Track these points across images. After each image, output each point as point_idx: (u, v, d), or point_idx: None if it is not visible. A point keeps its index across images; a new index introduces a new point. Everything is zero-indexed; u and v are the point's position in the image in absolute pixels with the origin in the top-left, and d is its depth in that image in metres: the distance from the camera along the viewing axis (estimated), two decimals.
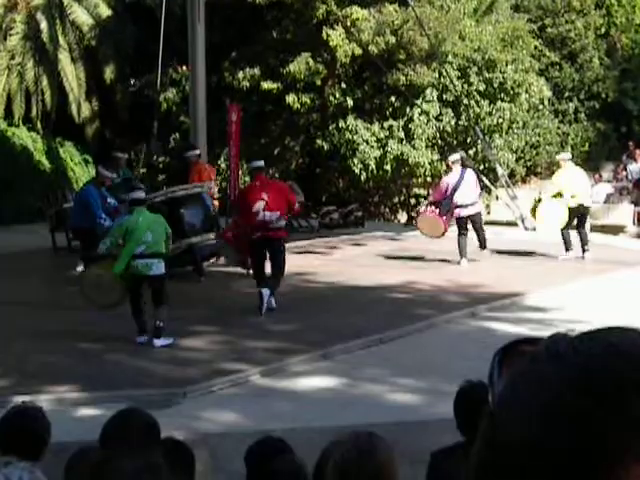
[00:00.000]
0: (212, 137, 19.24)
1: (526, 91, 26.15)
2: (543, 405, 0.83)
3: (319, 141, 26.03)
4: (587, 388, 0.82)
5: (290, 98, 25.11)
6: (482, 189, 16.13)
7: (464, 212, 15.56)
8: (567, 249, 16.20)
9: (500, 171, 20.50)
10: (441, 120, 25.23)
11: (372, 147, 25.19)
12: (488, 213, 26.84)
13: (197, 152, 16.62)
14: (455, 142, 25.08)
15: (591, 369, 0.83)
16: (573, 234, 16.22)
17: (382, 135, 25.30)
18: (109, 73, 27.33)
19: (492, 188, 20.94)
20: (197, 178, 15.80)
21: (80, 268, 13.82)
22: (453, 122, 25.30)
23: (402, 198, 26.41)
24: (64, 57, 26.78)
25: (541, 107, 27.81)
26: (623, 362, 0.83)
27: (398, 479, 3.06)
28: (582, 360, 0.84)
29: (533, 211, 16.64)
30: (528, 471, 0.82)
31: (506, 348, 0.94)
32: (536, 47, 28.51)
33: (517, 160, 27.28)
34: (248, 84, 25.41)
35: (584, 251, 16.19)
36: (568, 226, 16.10)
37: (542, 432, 0.82)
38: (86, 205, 14.30)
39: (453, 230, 15.84)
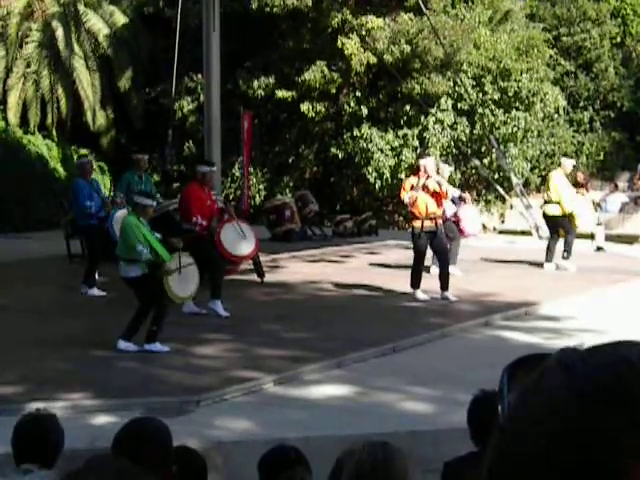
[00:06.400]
0: (226, 145, 19.24)
1: (541, 100, 26.12)
2: (553, 418, 0.82)
3: (333, 149, 26.05)
4: (597, 400, 0.81)
5: (305, 106, 25.16)
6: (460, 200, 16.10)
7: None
8: (549, 259, 16.18)
9: (515, 180, 20.48)
10: (456, 129, 25.22)
11: (387, 156, 25.20)
12: (502, 222, 26.82)
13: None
14: (470, 151, 25.06)
15: (601, 381, 0.82)
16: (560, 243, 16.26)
17: (397, 144, 25.31)
18: (124, 81, 27.42)
19: (507, 197, 20.90)
20: None
21: (85, 290, 13.71)
22: (468, 131, 25.29)
23: None
24: (79, 65, 26.88)
25: (556, 116, 27.76)
26: (633, 374, 0.82)
27: None
28: (592, 373, 0.83)
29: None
30: None
31: (515, 364, 0.94)
32: (551, 56, 28.47)
33: (532, 169, 27.24)
34: (263, 92, 25.48)
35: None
36: (556, 235, 16.12)
37: (553, 445, 0.81)
38: (75, 199, 14.28)
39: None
